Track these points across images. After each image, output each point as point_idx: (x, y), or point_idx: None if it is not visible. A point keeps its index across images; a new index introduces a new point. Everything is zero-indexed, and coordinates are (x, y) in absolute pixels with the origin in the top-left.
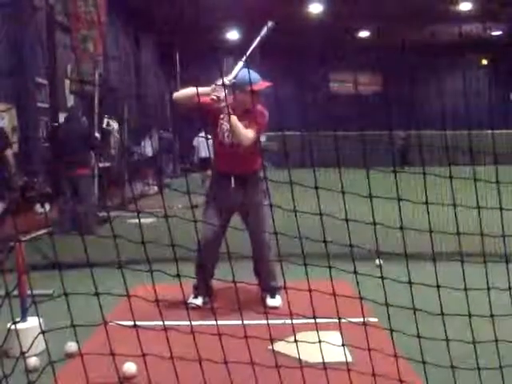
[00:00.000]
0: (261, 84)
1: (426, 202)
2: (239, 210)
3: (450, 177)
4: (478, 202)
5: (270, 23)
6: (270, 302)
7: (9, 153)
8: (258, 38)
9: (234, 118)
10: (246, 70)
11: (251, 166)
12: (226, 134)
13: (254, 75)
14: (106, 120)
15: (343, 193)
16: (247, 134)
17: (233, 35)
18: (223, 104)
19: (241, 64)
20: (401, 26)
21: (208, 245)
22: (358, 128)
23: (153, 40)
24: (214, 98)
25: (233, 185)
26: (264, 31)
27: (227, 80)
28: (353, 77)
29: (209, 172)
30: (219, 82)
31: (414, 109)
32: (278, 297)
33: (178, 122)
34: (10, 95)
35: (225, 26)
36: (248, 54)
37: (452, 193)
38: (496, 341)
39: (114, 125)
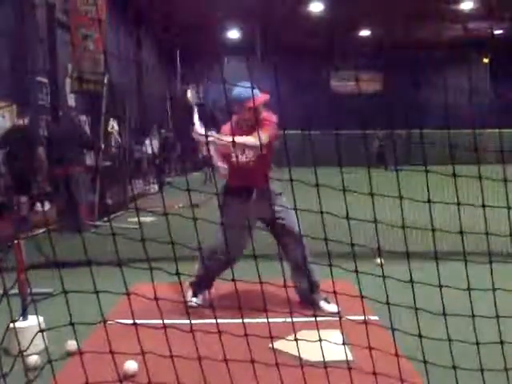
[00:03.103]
0: (259, 98)
1: (429, 201)
2: (264, 219)
3: (454, 175)
4: (483, 200)
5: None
6: (330, 307)
7: (40, 150)
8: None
9: (236, 139)
10: (242, 88)
11: (266, 177)
12: (240, 154)
13: (249, 91)
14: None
15: (344, 191)
16: (254, 140)
17: (233, 34)
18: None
19: (195, 109)
20: (402, 25)
21: (226, 254)
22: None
23: (154, 38)
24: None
25: (254, 197)
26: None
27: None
28: (354, 75)
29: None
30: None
31: (413, 108)
32: (332, 303)
33: (179, 121)
34: (11, 93)
35: (225, 25)
36: (198, 103)
37: (456, 191)
38: (501, 342)
39: (114, 124)
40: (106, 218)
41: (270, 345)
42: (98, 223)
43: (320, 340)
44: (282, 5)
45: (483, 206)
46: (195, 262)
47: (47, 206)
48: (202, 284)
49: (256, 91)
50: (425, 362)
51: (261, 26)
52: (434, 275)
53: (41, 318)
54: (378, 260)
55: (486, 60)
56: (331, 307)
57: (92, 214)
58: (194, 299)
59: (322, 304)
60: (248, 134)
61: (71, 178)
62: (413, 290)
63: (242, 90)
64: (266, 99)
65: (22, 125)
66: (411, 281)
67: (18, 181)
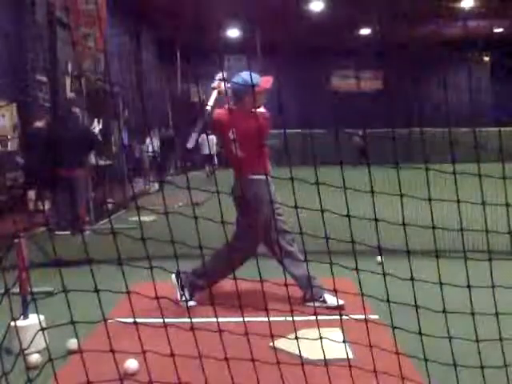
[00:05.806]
0: (265, 82)
1: (429, 199)
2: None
3: (454, 172)
4: (482, 198)
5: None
6: (334, 300)
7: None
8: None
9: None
10: (248, 73)
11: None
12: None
13: (256, 76)
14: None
15: (345, 189)
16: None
17: (233, 33)
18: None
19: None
20: (402, 23)
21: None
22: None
23: (153, 37)
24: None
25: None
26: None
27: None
28: (354, 74)
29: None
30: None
31: (412, 105)
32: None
33: (179, 120)
34: (11, 93)
35: (225, 23)
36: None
37: (456, 189)
38: (501, 339)
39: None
40: (106, 220)
41: (271, 343)
42: (96, 227)
43: (321, 338)
44: (282, 3)
45: (483, 203)
46: (195, 261)
47: (47, 204)
48: (203, 286)
49: (259, 77)
50: (425, 359)
51: (261, 25)
52: (434, 273)
53: (41, 317)
54: (379, 258)
55: (486, 58)
56: (336, 300)
57: (88, 213)
58: (193, 298)
59: (327, 297)
60: (246, 120)
61: (75, 180)
62: (413, 288)
63: (247, 76)
64: (270, 84)
65: (43, 126)
66: (412, 279)
67: (42, 179)
